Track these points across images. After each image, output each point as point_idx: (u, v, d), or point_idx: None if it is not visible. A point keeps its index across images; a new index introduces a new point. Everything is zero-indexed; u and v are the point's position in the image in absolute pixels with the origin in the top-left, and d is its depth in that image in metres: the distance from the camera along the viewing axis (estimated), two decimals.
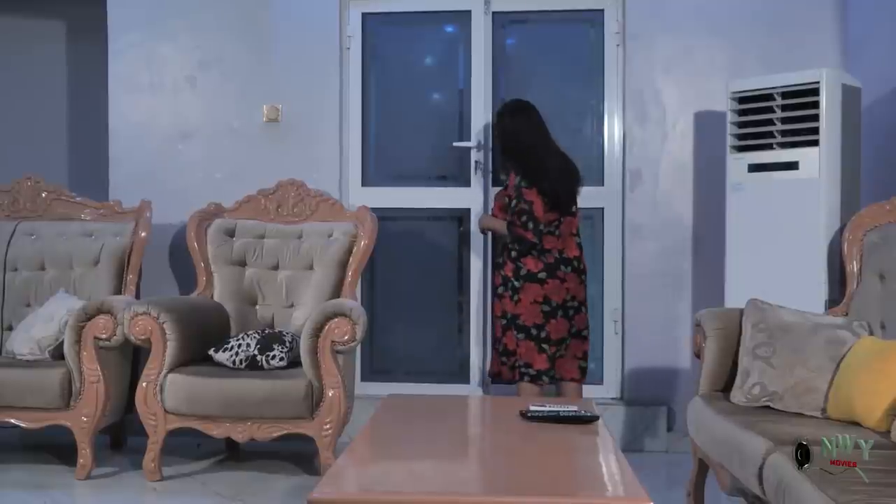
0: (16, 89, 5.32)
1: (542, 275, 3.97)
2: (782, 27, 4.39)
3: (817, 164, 3.66)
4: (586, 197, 4.24)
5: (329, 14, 4.67)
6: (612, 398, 4.54)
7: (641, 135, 4.51)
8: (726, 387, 3.23)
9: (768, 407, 3.01)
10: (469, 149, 4.63)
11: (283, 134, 4.66)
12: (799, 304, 3.31)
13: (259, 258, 4.35)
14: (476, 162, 4.62)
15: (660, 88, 4.49)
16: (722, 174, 4.01)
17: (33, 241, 4.42)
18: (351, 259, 4.26)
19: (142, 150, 4.73)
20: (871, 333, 3.13)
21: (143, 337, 3.73)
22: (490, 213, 4.32)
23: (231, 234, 4.39)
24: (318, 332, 3.66)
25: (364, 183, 4.73)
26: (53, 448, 4.17)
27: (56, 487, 3.71)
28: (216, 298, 4.26)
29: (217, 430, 3.73)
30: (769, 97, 3.80)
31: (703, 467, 3.27)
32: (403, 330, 4.78)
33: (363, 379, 4.66)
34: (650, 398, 4.45)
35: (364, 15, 4.72)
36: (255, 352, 3.82)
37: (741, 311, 3.27)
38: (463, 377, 4.66)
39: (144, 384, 3.72)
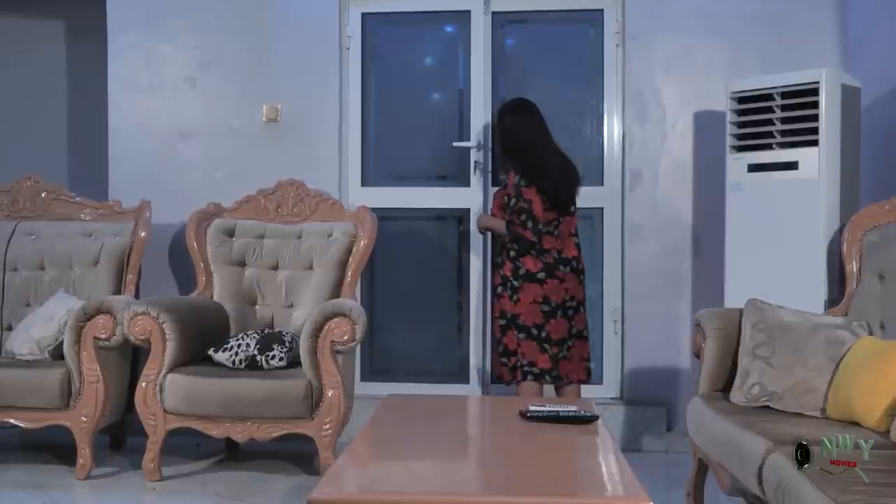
0: (16, 89, 5.32)
1: (541, 275, 3.96)
2: (782, 27, 4.39)
3: (817, 164, 3.66)
4: (586, 197, 4.24)
5: (329, 14, 4.67)
6: (612, 398, 4.54)
7: (641, 135, 4.51)
8: (726, 387, 3.23)
9: (768, 407, 3.01)
10: (469, 149, 4.63)
11: (283, 134, 4.66)
12: (798, 304, 3.31)
13: (259, 258, 4.35)
14: (476, 162, 4.62)
15: (659, 88, 4.49)
16: (721, 174, 4.01)
17: (33, 240, 4.42)
18: (351, 259, 4.26)
19: (141, 150, 4.73)
20: (871, 333, 3.13)
21: (142, 337, 3.73)
22: (489, 212, 4.32)
23: (231, 234, 4.39)
24: (317, 332, 3.66)
25: (364, 183, 4.73)
26: (53, 448, 4.17)
27: (56, 487, 3.71)
28: (216, 298, 4.26)
29: (217, 430, 3.73)
30: (769, 97, 3.80)
31: (702, 467, 3.27)
32: (403, 330, 4.78)
33: (363, 379, 4.66)
34: (650, 398, 4.45)
35: (364, 15, 4.72)
36: (255, 352, 3.82)
37: (741, 311, 3.27)
38: (463, 377, 4.66)
39: (144, 384, 3.72)
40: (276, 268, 4.35)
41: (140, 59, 4.73)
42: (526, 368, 3.96)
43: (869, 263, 3.40)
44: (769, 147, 3.82)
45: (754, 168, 3.86)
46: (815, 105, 3.66)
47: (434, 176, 4.75)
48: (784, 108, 3.76)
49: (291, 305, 4.29)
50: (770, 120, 3.80)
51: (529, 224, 3.93)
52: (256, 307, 4.32)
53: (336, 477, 2.29)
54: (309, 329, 3.67)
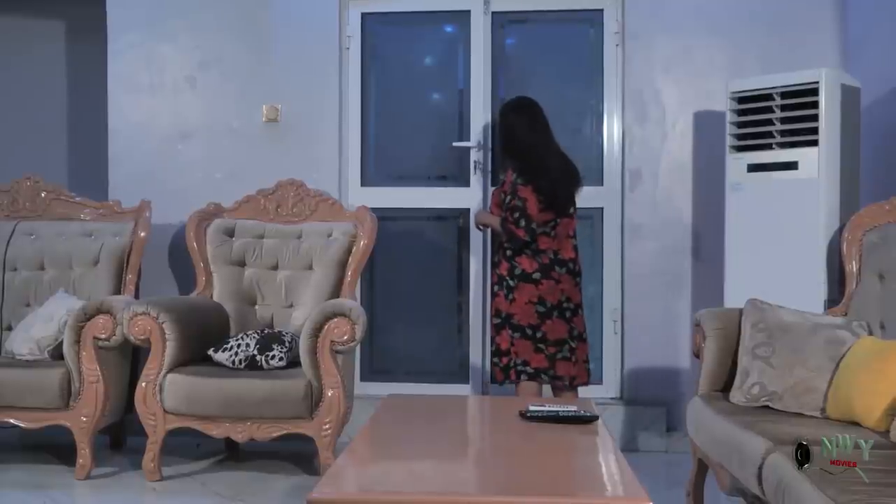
0: (16, 89, 5.32)
1: (537, 275, 3.95)
2: (782, 27, 4.40)
3: (816, 164, 3.66)
4: (586, 197, 4.24)
5: (329, 14, 4.67)
6: (612, 398, 4.54)
7: (641, 134, 4.51)
8: (726, 387, 3.23)
9: (768, 407, 3.01)
10: (469, 149, 4.63)
11: (283, 134, 4.66)
12: (798, 303, 3.31)
13: (258, 258, 4.35)
14: (475, 162, 4.62)
15: (659, 88, 4.49)
16: (721, 174, 4.01)
17: (33, 240, 4.42)
18: (350, 259, 4.26)
19: (141, 150, 4.73)
20: (871, 333, 3.13)
21: (142, 337, 3.73)
22: (488, 210, 4.32)
23: (230, 234, 4.40)
24: (317, 332, 3.66)
25: (363, 183, 4.73)
26: (53, 448, 4.17)
27: (55, 487, 3.71)
28: (215, 298, 4.26)
29: (216, 430, 3.73)
30: (768, 97, 3.80)
31: (702, 467, 3.27)
32: (403, 330, 4.78)
33: (363, 379, 4.66)
34: (650, 398, 4.45)
35: (364, 15, 4.72)
36: (255, 352, 3.82)
37: (740, 311, 3.27)
38: (462, 377, 4.66)
39: (144, 384, 3.72)
40: (275, 268, 4.35)
41: (140, 59, 4.73)
42: (520, 368, 3.93)
43: (869, 263, 3.40)
44: (769, 147, 3.82)
45: (754, 168, 3.86)
46: (815, 105, 3.66)
47: (434, 176, 4.75)
48: (784, 108, 3.76)
49: (291, 305, 4.29)
50: (770, 120, 3.81)
51: (522, 223, 3.91)
52: (256, 307, 4.32)
53: (336, 477, 2.29)
54: (309, 329, 3.67)
